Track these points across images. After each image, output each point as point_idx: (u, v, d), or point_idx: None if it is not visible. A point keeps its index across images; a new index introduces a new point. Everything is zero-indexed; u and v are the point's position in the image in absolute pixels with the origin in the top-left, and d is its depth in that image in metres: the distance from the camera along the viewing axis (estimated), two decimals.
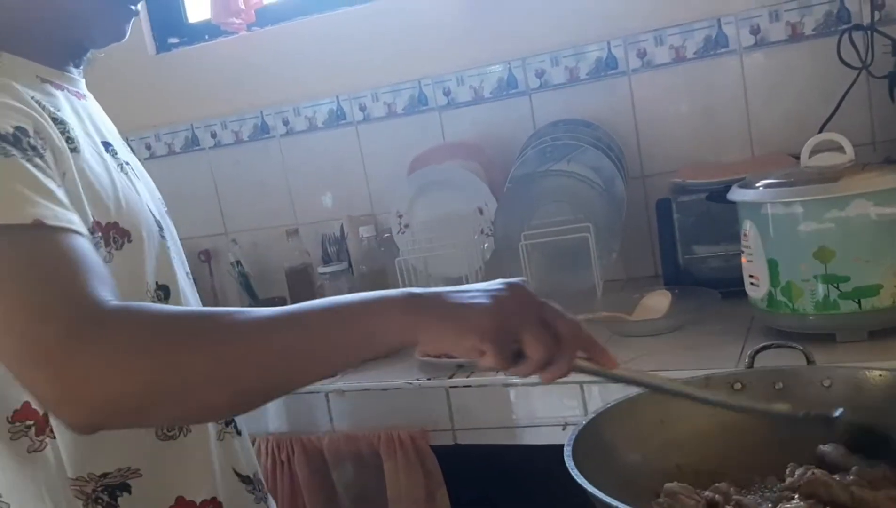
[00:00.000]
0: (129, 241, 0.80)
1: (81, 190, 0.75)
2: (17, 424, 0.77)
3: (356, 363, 0.67)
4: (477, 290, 0.65)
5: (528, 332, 0.63)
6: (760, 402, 0.75)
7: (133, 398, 0.59)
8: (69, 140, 0.77)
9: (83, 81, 0.91)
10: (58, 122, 0.76)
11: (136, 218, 0.82)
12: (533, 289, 0.68)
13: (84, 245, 0.66)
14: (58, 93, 0.83)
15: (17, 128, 0.70)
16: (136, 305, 0.65)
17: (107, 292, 0.63)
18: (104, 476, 0.79)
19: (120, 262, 0.79)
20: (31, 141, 0.70)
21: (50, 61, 0.84)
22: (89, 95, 0.91)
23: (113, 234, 0.79)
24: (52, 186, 0.68)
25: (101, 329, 0.60)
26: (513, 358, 0.63)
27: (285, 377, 0.64)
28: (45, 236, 0.64)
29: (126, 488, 0.80)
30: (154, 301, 0.83)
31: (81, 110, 0.85)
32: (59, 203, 0.67)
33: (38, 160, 0.69)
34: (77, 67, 0.89)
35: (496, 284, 0.66)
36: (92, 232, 0.75)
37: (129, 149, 0.95)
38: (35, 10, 0.82)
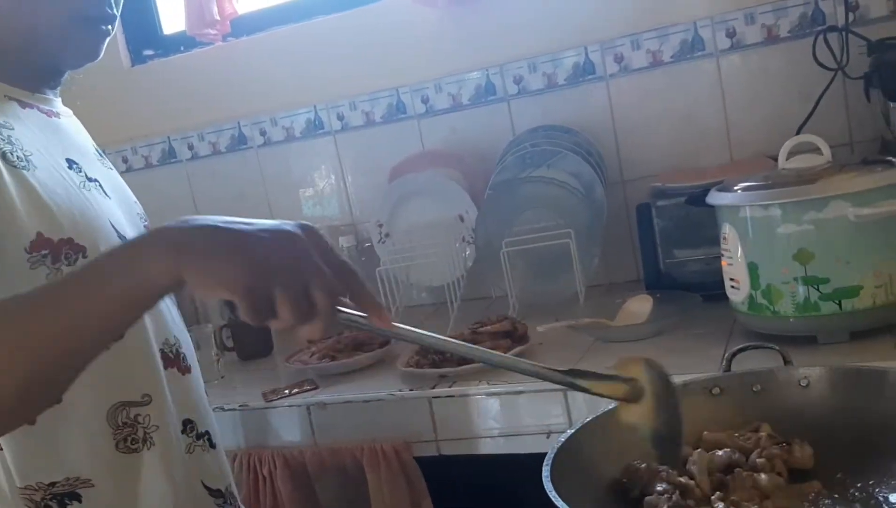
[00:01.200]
0: (85, 256, 0.81)
1: (20, 206, 0.76)
2: None
3: (136, 312, 0.63)
4: (250, 229, 0.61)
5: (282, 293, 0.58)
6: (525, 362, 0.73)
7: None
8: (18, 158, 0.78)
9: (58, 99, 0.92)
10: (6, 142, 0.78)
11: (93, 234, 0.83)
12: (318, 233, 0.63)
13: None
14: (23, 112, 0.84)
15: None
16: None
17: None
18: (52, 484, 0.80)
19: None
20: None
21: (23, 83, 0.86)
22: (66, 113, 0.93)
23: (66, 250, 0.80)
24: None
25: None
26: (267, 313, 0.59)
27: (64, 346, 0.61)
28: None
29: (76, 497, 0.81)
30: None
31: (49, 129, 0.86)
32: None
33: None
34: (53, 87, 0.91)
35: (279, 225, 0.62)
36: (35, 248, 0.77)
37: (105, 165, 0.96)
38: (10, 36, 0.83)
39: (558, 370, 0.71)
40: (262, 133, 1.99)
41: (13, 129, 0.81)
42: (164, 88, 2.06)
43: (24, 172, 0.79)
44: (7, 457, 0.79)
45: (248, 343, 1.72)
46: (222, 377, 1.62)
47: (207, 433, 0.94)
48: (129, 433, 0.84)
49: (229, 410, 1.43)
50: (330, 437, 1.38)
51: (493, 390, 1.26)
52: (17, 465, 0.79)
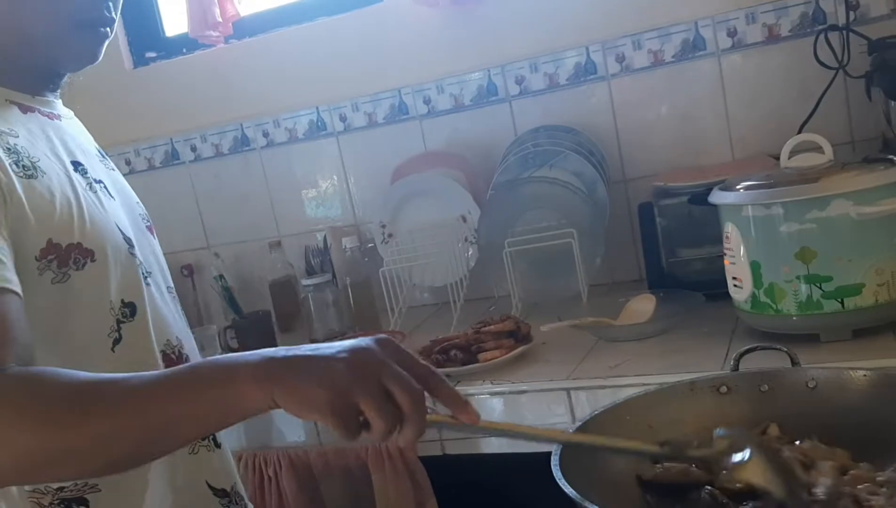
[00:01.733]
0: (93, 260, 0.82)
1: (32, 215, 0.77)
2: None
3: (218, 430, 0.71)
4: (330, 352, 0.64)
5: (366, 403, 0.61)
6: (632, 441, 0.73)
7: (5, 467, 0.63)
8: (25, 168, 0.78)
9: (59, 101, 0.92)
10: (11, 151, 0.78)
11: (101, 237, 0.83)
12: (394, 342, 0.66)
13: (7, 302, 0.69)
14: (24, 116, 0.84)
15: None
16: (23, 373, 0.67)
17: (8, 355, 0.66)
18: (60, 489, 0.81)
19: (81, 281, 0.80)
20: None
21: (22, 86, 0.86)
22: (67, 115, 0.93)
23: (75, 254, 0.80)
24: None
25: None
26: (360, 427, 0.62)
27: (149, 450, 0.68)
28: None
29: (83, 502, 0.81)
30: (119, 319, 0.84)
31: (52, 132, 0.86)
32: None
33: None
34: (53, 90, 0.90)
35: (357, 343, 0.65)
36: (43, 255, 0.77)
37: (108, 166, 0.96)
38: (8, 39, 0.83)
39: (655, 445, 0.72)
40: (265, 134, 2.00)
41: (18, 136, 0.81)
42: (167, 90, 2.07)
43: (33, 180, 0.78)
44: None
45: (252, 344, 1.73)
46: None
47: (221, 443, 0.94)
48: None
49: None
50: (334, 437, 1.38)
51: (496, 389, 1.27)
52: None
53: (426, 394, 0.64)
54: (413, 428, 0.62)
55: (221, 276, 1.97)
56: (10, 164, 0.77)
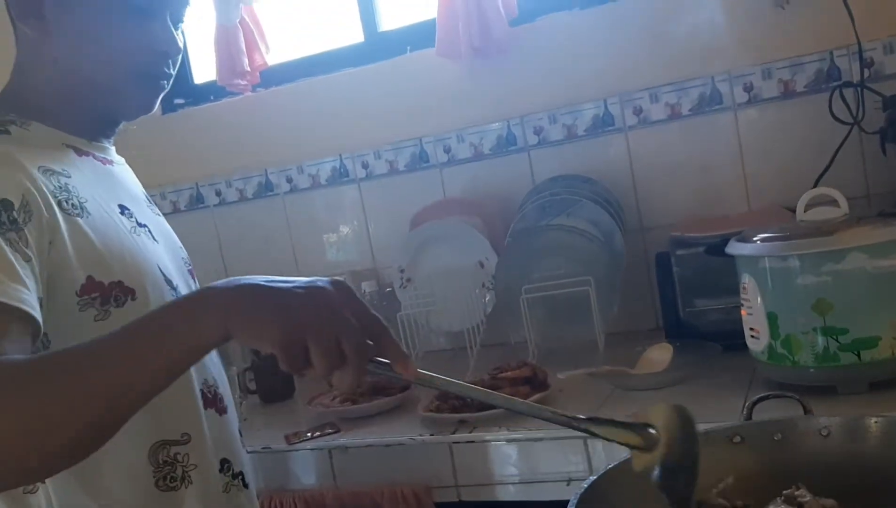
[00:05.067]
0: (134, 299, 0.84)
1: (73, 253, 0.80)
2: None
3: (186, 365, 0.68)
4: (287, 286, 0.66)
5: (314, 344, 0.63)
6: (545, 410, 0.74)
7: None
8: (73, 206, 0.82)
9: (113, 148, 0.97)
10: (62, 190, 0.82)
11: (142, 278, 0.86)
12: (349, 289, 0.68)
13: (14, 325, 0.71)
14: (79, 159, 0.88)
15: (1, 201, 0.75)
16: None
17: None
18: None
19: (121, 319, 0.82)
20: (13, 215, 0.76)
21: (81, 132, 0.90)
22: (119, 161, 0.97)
23: (115, 292, 0.83)
24: (15, 260, 0.73)
25: None
26: (305, 364, 0.65)
27: (117, 398, 0.65)
28: None
29: None
30: None
31: (103, 176, 0.91)
32: (13, 277, 0.72)
33: (11, 235, 0.74)
34: (109, 136, 0.95)
35: (312, 282, 0.67)
36: (85, 292, 0.80)
37: (154, 211, 1.00)
38: (72, 87, 0.88)
39: (576, 417, 0.73)
40: (289, 180, 2.04)
41: (70, 176, 0.85)
42: (194, 136, 2.12)
43: (78, 218, 0.82)
44: (50, 491, 0.81)
45: (270, 386, 1.75)
46: (245, 420, 1.63)
47: (242, 473, 0.96)
48: (168, 472, 0.86)
49: (252, 452, 1.43)
50: (351, 480, 1.39)
51: (512, 436, 1.27)
52: (60, 500, 0.81)
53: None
54: (352, 374, 0.65)
55: None
56: (57, 202, 0.80)
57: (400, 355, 0.68)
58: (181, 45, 0.93)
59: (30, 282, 0.74)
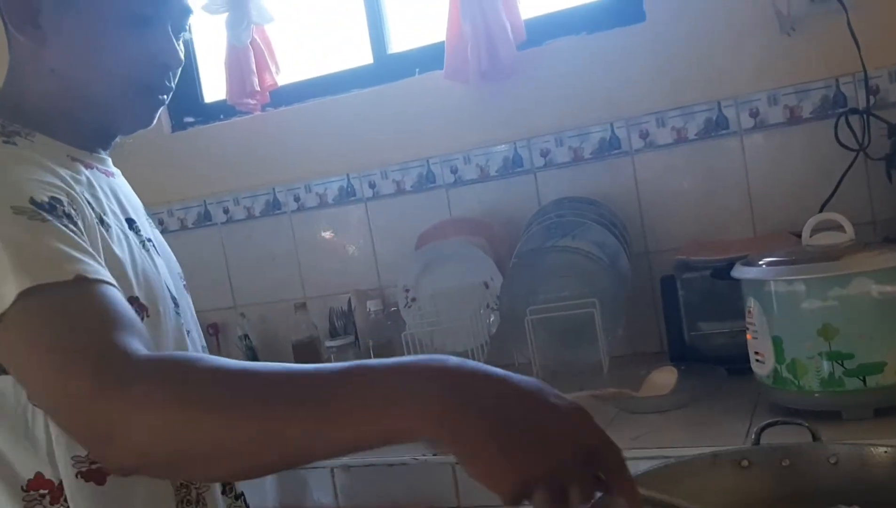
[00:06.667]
0: (148, 316, 0.83)
1: (104, 262, 0.77)
2: (32, 493, 0.78)
3: (366, 450, 0.59)
4: (520, 404, 0.54)
5: (542, 492, 0.52)
6: None
7: (161, 452, 0.60)
8: (98, 217, 0.81)
9: (109, 159, 0.95)
10: (90, 198, 0.81)
11: (154, 294, 0.85)
12: (589, 418, 0.57)
13: (118, 297, 0.69)
14: (86, 172, 0.87)
15: (53, 198, 0.74)
16: (166, 357, 0.65)
17: (137, 342, 0.64)
18: None
19: None
20: (66, 210, 0.74)
21: (80, 143, 0.88)
22: (117, 173, 0.95)
23: (134, 308, 0.80)
24: (87, 245, 0.72)
25: (123, 381, 0.61)
26: (524, 499, 0.54)
27: (299, 456, 0.60)
28: (85, 290, 0.67)
29: None
30: None
31: (108, 188, 0.89)
32: (95, 259, 0.71)
33: (71, 226, 0.73)
34: (105, 149, 0.93)
35: (555, 410, 0.56)
36: None
37: (152, 224, 0.99)
38: (70, 98, 0.86)
39: None
40: (296, 199, 2.05)
41: (89, 187, 0.83)
42: (203, 154, 2.14)
43: (104, 230, 0.80)
44: None
45: None
46: None
47: (242, 494, 0.95)
48: (184, 495, 0.85)
49: None
50: (353, 500, 1.38)
51: None
52: None
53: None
54: None
55: (246, 335, 2.00)
56: (91, 208, 0.79)
57: (633, 494, 0.56)
58: (182, 57, 0.90)
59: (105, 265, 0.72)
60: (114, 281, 0.70)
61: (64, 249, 0.69)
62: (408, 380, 0.56)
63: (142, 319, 0.81)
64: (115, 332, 0.64)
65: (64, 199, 0.75)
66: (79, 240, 0.71)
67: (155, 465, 0.61)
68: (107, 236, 0.80)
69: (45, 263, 0.67)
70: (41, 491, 0.78)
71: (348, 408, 0.56)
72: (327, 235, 2.03)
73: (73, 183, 0.79)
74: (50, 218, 0.71)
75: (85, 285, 0.67)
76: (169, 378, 0.61)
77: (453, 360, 0.57)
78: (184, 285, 1.00)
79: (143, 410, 0.59)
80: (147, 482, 0.80)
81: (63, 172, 0.80)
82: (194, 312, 1.00)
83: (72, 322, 0.65)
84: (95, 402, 0.60)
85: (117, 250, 0.81)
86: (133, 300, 0.81)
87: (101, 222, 0.81)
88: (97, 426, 0.60)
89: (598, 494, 0.57)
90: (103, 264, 0.72)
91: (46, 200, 0.73)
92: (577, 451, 0.54)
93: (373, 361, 0.60)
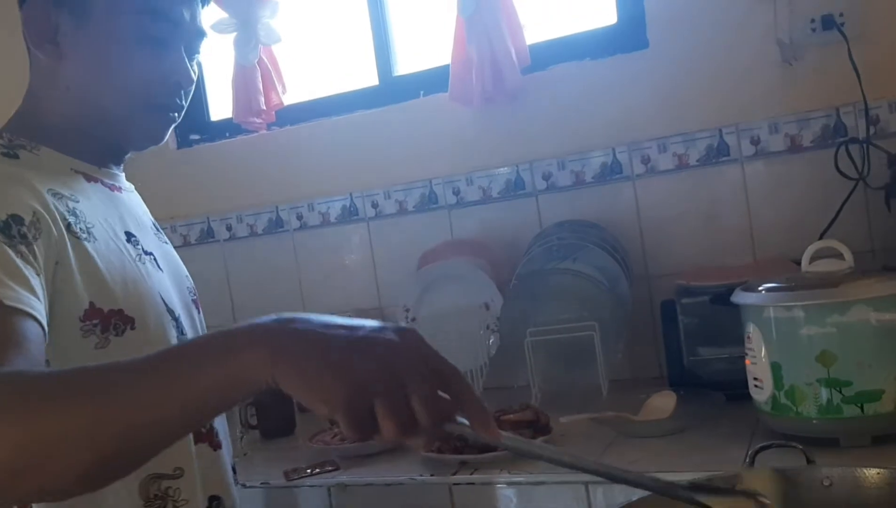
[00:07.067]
0: (133, 328, 0.84)
1: (79, 277, 0.79)
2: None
3: (221, 407, 0.61)
4: (347, 335, 0.57)
5: (382, 405, 0.55)
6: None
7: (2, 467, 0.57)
8: (81, 230, 0.82)
9: (122, 175, 0.97)
10: (71, 213, 0.82)
11: (142, 307, 0.86)
12: (419, 337, 0.59)
13: (30, 328, 0.70)
14: (88, 185, 0.88)
15: (12, 216, 0.75)
16: (10, 370, 0.63)
17: (17, 364, 0.64)
18: None
19: (119, 347, 0.82)
20: (23, 230, 0.75)
21: (90, 158, 0.90)
22: (128, 188, 0.97)
23: (115, 320, 0.82)
24: (28, 272, 0.73)
25: None
26: (369, 427, 0.56)
27: (140, 436, 0.59)
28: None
29: None
30: None
31: (111, 202, 0.91)
32: (28, 288, 0.72)
33: (22, 247, 0.74)
34: (118, 163, 0.95)
35: (378, 331, 0.58)
36: (87, 317, 0.79)
37: (161, 239, 1.00)
38: (84, 115, 0.88)
39: (679, 485, 0.68)
40: (299, 217, 2.07)
41: (78, 201, 0.85)
42: (208, 171, 2.15)
43: (85, 243, 0.82)
44: None
45: (271, 422, 1.74)
46: (245, 455, 1.63)
47: None
48: (159, 506, 0.85)
49: (251, 487, 1.44)
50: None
51: (514, 479, 1.26)
52: None
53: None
54: (427, 438, 0.58)
55: None
56: (66, 224, 0.81)
57: (480, 413, 0.59)
58: (194, 77, 0.92)
59: (40, 294, 0.73)
60: (37, 314, 0.71)
61: None
62: (242, 334, 0.59)
63: (124, 331, 0.82)
64: (3, 354, 0.65)
65: (27, 218, 0.76)
66: (19, 265, 0.72)
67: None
68: (89, 249, 0.82)
69: None
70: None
71: (186, 367, 0.58)
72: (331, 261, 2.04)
73: (49, 201, 0.80)
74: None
75: (1, 309, 0.68)
76: (8, 386, 0.59)
77: (289, 314, 0.60)
78: (193, 300, 1.01)
79: None
80: (114, 491, 0.80)
81: (48, 188, 0.81)
82: (202, 328, 1.00)
83: None
84: None
85: (102, 263, 0.82)
86: (115, 313, 0.82)
87: (88, 234, 0.83)
88: None
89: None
90: (39, 294, 0.72)
91: (4, 218, 0.74)
92: (414, 362, 0.56)
93: (208, 333, 0.62)
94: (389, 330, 0.59)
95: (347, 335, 0.58)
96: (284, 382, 0.56)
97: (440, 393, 0.58)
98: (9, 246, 0.73)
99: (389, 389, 0.55)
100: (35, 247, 0.75)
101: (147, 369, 0.59)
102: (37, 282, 0.73)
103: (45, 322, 0.72)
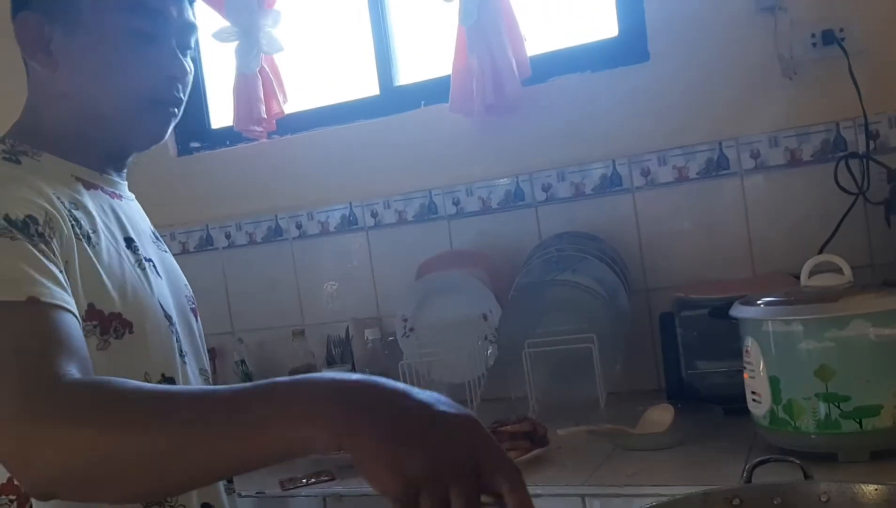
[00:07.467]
0: (131, 332, 0.84)
1: (80, 279, 0.80)
2: (3, 497, 0.78)
3: (273, 463, 0.61)
4: (422, 416, 0.56)
5: (427, 495, 0.54)
6: None
7: (74, 472, 0.60)
8: (84, 234, 0.83)
9: (125, 183, 0.97)
10: (73, 217, 0.82)
11: (140, 311, 0.86)
12: (479, 426, 0.58)
13: (70, 322, 0.71)
14: (87, 192, 0.88)
15: (28, 217, 0.76)
16: (92, 379, 0.66)
17: (72, 366, 0.66)
18: None
19: (118, 351, 0.82)
20: (40, 229, 0.76)
21: (92, 164, 0.90)
22: (128, 196, 0.97)
23: (115, 324, 0.83)
24: (53, 268, 0.74)
25: (40, 404, 0.62)
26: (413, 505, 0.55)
27: (207, 471, 0.61)
28: (35, 311, 0.69)
29: None
30: None
31: (110, 209, 0.91)
32: (58, 283, 0.73)
33: (42, 245, 0.75)
34: (119, 170, 0.95)
35: (449, 420, 0.57)
36: (86, 318, 0.79)
37: (160, 247, 1.00)
38: (82, 119, 0.89)
39: None
40: (298, 226, 2.06)
41: (78, 207, 0.85)
42: (208, 179, 2.15)
43: (88, 246, 0.82)
44: None
45: None
46: None
47: None
48: None
49: (246, 496, 1.43)
50: None
51: None
52: None
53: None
54: None
55: (243, 361, 2.00)
56: (71, 225, 0.81)
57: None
58: (189, 69, 0.92)
59: (68, 290, 0.74)
60: (72, 307, 0.72)
61: (26, 269, 0.71)
62: (308, 393, 0.59)
63: (123, 334, 0.83)
64: (52, 356, 0.66)
65: (40, 218, 0.77)
66: (45, 262, 0.73)
67: (67, 486, 0.62)
68: (90, 252, 0.82)
69: (2, 280, 0.69)
70: (10, 497, 0.78)
71: (252, 420, 0.58)
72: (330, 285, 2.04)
73: (56, 202, 0.81)
74: (20, 237, 0.73)
75: (36, 307, 0.69)
76: (80, 400, 0.62)
77: (355, 375, 0.60)
78: (192, 309, 1.01)
79: (52, 431, 0.60)
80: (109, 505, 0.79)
81: (52, 190, 0.82)
82: (200, 336, 1.00)
83: (10, 342, 0.67)
84: (10, 423, 0.61)
85: (101, 267, 0.83)
86: (115, 316, 0.83)
87: (88, 239, 0.83)
88: (11, 446, 0.61)
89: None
90: (67, 288, 0.74)
91: (21, 217, 0.75)
92: (459, 456, 0.56)
93: (282, 378, 0.62)
94: (457, 422, 0.57)
95: (410, 419, 0.57)
96: (353, 457, 0.56)
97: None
98: (31, 244, 0.74)
99: (438, 482, 0.54)
100: (52, 245, 0.76)
101: (219, 411, 0.60)
102: (62, 278, 0.75)
103: (71, 306, 0.73)
